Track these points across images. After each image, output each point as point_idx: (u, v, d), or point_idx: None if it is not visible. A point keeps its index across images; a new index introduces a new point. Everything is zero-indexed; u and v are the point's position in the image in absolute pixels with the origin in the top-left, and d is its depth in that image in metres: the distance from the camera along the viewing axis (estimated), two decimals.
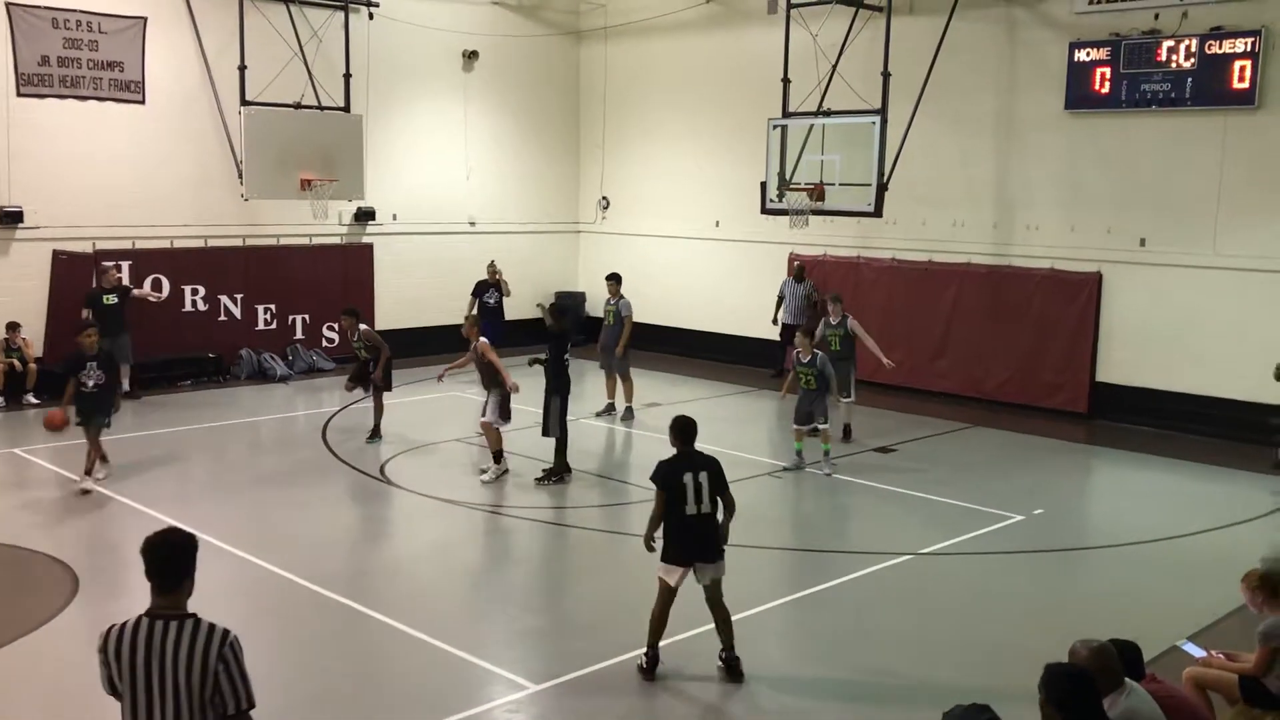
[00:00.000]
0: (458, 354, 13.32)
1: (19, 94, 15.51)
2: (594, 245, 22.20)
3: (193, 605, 4.19)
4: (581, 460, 12.70)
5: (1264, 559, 9.43)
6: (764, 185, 16.50)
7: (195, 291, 17.42)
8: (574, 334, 15.02)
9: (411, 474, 12.37)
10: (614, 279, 15.87)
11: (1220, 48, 14.38)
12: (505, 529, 10.91)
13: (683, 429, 7.43)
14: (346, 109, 17.60)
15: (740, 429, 14.82)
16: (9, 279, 15.68)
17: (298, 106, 16.92)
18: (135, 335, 15.81)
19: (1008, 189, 16.66)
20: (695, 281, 20.43)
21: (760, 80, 17.56)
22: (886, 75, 15.30)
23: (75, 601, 8.51)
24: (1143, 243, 15.43)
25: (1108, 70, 15.29)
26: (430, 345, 18.20)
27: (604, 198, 22.02)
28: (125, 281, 16.17)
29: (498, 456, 12.08)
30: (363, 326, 13.84)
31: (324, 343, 18.84)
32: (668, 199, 20.83)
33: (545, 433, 12.18)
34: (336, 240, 19.03)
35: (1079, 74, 15.56)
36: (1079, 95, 15.60)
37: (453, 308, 18.84)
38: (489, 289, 18.08)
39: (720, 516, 7.35)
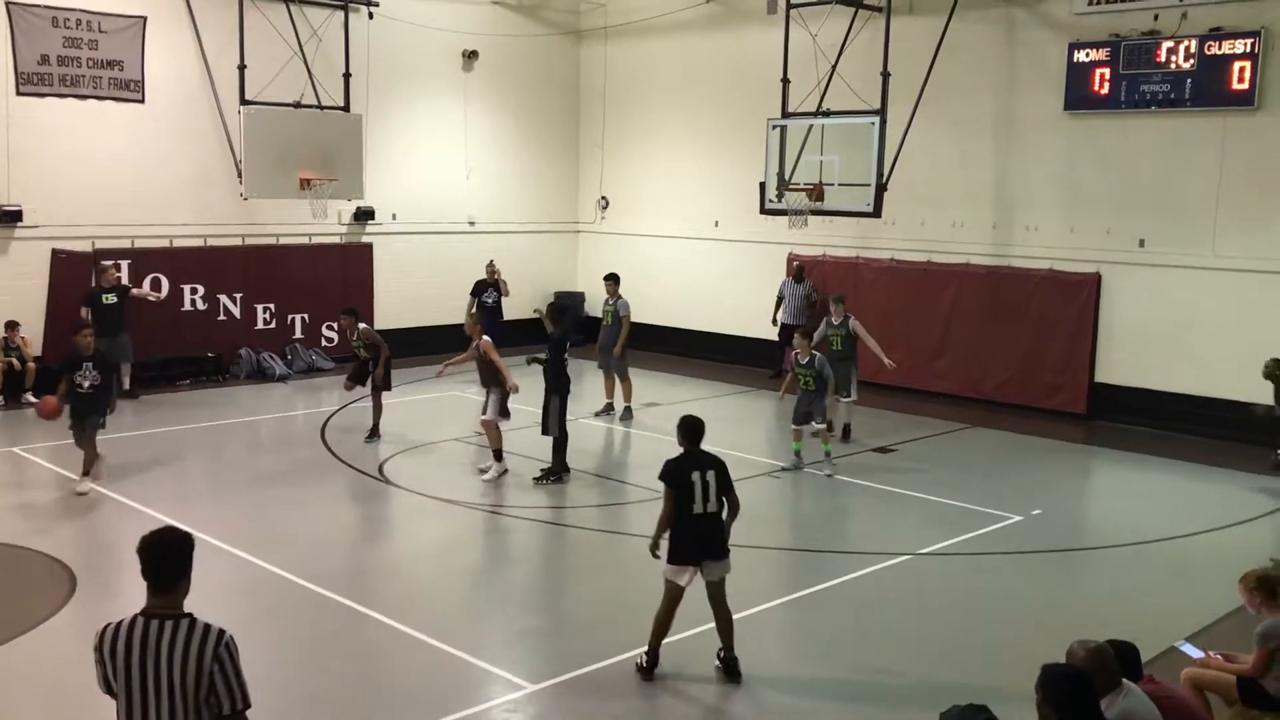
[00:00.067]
0: (457, 353, 13.31)
1: (19, 93, 15.50)
2: (593, 245, 22.20)
3: (191, 605, 4.19)
4: (580, 460, 12.70)
5: (1274, 559, 9.47)
6: (763, 185, 16.50)
7: (194, 291, 17.41)
8: (573, 334, 15.01)
9: (410, 473, 12.37)
10: (612, 279, 15.87)
11: (1220, 49, 14.38)
12: (504, 529, 10.91)
13: (691, 428, 7.45)
14: (346, 108, 17.60)
15: (739, 429, 14.81)
16: (8, 278, 15.68)
17: (297, 106, 16.92)
18: (134, 334, 15.81)
19: (1007, 190, 16.66)
20: (694, 282, 20.43)
21: (760, 80, 17.55)
22: (886, 75, 15.30)
23: (73, 601, 8.51)
24: (1142, 243, 15.43)
25: (1107, 71, 15.29)
26: (430, 345, 18.18)
27: (603, 198, 22.02)
28: (124, 281, 16.17)
29: (498, 455, 12.09)
30: (362, 326, 13.84)
31: (323, 342, 18.84)
32: (667, 199, 20.83)
33: (545, 432, 12.19)
34: (336, 240, 19.03)
35: (1078, 75, 15.56)
36: (1078, 96, 15.60)
37: (452, 307, 18.87)
38: (488, 288, 18.08)
39: (725, 516, 7.36)
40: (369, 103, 18.40)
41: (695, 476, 7.20)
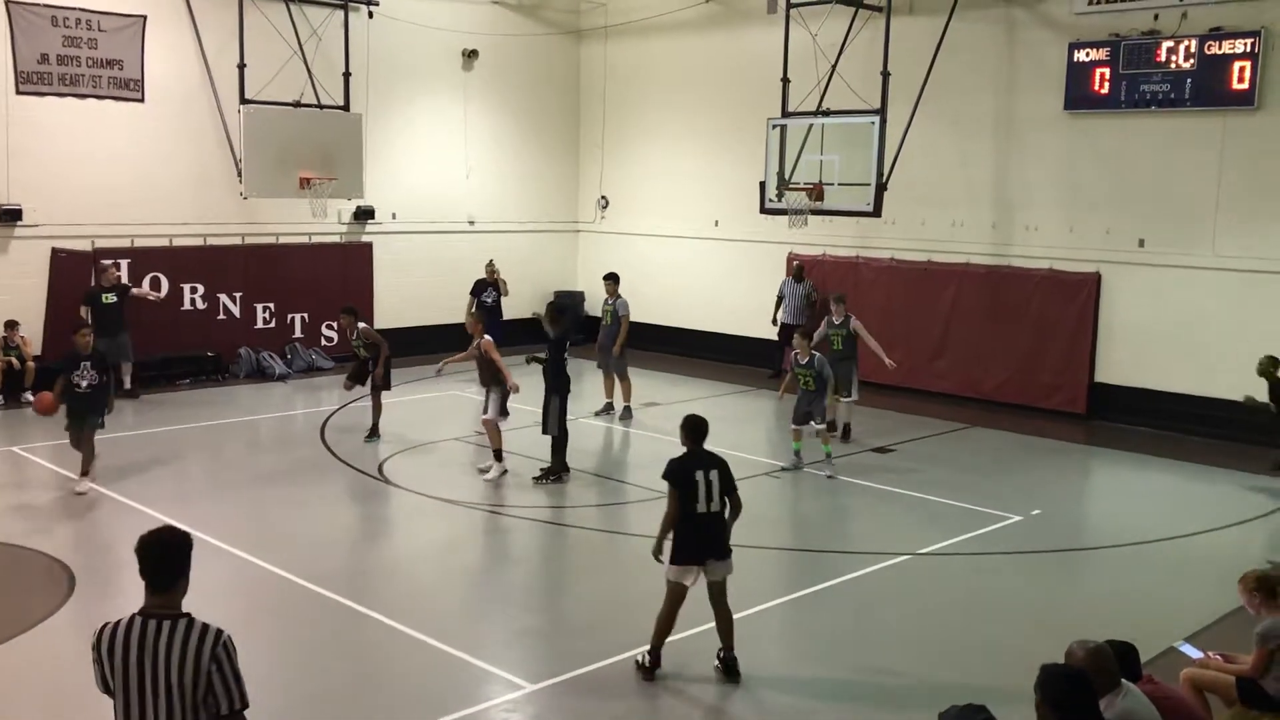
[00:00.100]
0: (457, 352, 13.31)
1: (18, 92, 15.50)
2: (593, 245, 22.19)
3: (190, 604, 4.18)
4: (580, 460, 12.69)
5: (1271, 560, 9.47)
6: (763, 185, 16.50)
7: (194, 290, 17.41)
8: (572, 334, 15.02)
9: (409, 473, 12.37)
10: (611, 279, 15.87)
11: (1220, 48, 14.37)
12: (503, 528, 10.91)
13: (694, 427, 7.46)
14: (346, 108, 17.59)
15: (739, 429, 14.81)
16: (8, 277, 15.67)
17: (297, 105, 16.91)
18: (134, 334, 15.81)
19: (1007, 189, 16.66)
20: (694, 281, 20.42)
21: (760, 80, 17.55)
22: (886, 75, 15.30)
23: (72, 600, 8.51)
24: (1141, 243, 15.43)
25: (1107, 71, 15.29)
26: (429, 344, 18.17)
27: (603, 197, 22.01)
28: (124, 280, 16.17)
29: (498, 455, 12.07)
30: (361, 325, 13.83)
31: (323, 341, 18.84)
32: (667, 199, 20.83)
33: (545, 431, 12.19)
34: (336, 239, 19.03)
35: (1078, 74, 15.55)
36: (1078, 96, 15.60)
37: (452, 307, 18.87)
38: (487, 288, 18.08)
39: (727, 515, 7.37)
40: (369, 102, 18.40)
41: (699, 476, 7.21)
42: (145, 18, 16.46)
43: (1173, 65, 14.74)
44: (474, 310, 16.57)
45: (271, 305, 18.24)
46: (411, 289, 19.73)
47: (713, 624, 7.46)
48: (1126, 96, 15.17)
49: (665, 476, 7.29)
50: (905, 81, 15.54)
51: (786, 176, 16.11)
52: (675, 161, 20.60)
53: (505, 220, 21.13)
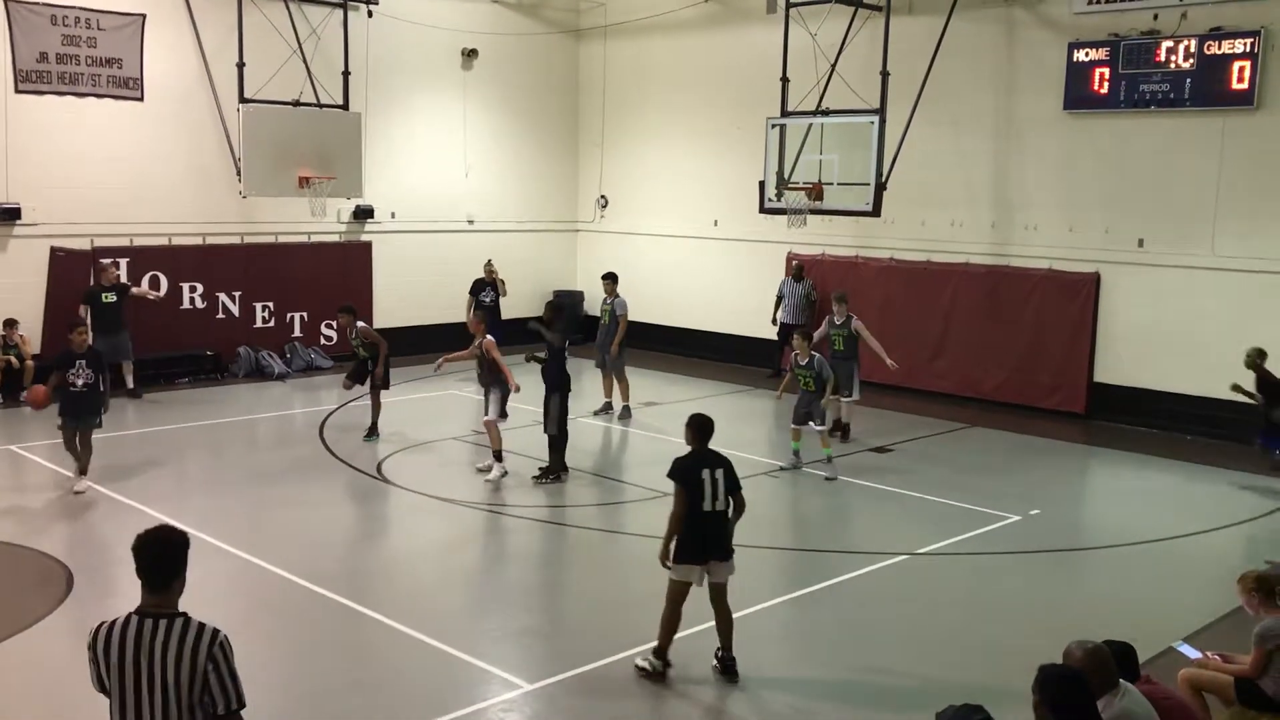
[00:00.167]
0: (456, 351, 13.31)
1: (17, 90, 15.49)
2: (592, 244, 22.19)
3: (188, 603, 4.18)
4: (578, 459, 12.69)
5: (1269, 560, 9.46)
6: (762, 185, 16.49)
7: (193, 289, 17.41)
8: (571, 333, 15.01)
9: (408, 472, 12.37)
10: (610, 278, 15.87)
11: (1219, 48, 14.37)
12: (502, 528, 10.90)
13: (700, 426, 7.46)
14: (345, 107, 17.57)
15: (738, 428, 14.79)
16: (7, 276, 15.67)
17: (296, 104, 16.89)
18: (133, 333, 15.80)
19: (1006, 189, 16.66)
20: (693, 281, 20.42)
21: (759, 79, 17.55)
22: (885, 75, 15.29)
23: (69, 599, 8.50)
24: (1141, 243, 15.42)
25: (1106, 71, 15.29)
26: (429, 343, 18.14)
27: (602, 196, 22.00)
28: (124, 279, 16.16)
29: (499, 456, 12.03)
30: (360, 324, 13.82)
31: (322, 340, 18.83)
32: (666, 198, 20.82)
33: (545, 430, 12.18)
34: (335, 238, 19.02)
35: (1078, 74, 15.55)
36: (1078, 95, 15.60)
37: (451, 306, 18.87)
38: (485, 287, 18.05)
39: (730, 515, 7.37)
40: (368, 101, 18.39)
41: (705, 474, 7.21)
42: (144, 16, 16.45)
43: (1172, 65, 14.73)
44: (476, 311, 16.54)
45: (270, 304, 18.24)
46: (410, 288, 19.73)
47: (712, 624, 7.46)
48: (1126, 96, 15.17)
49: (671, 475, 7.27)
50: (905, 81, 15.53)
51: (786, 176, 16.11)
52: (674, 161, 20.59)
53: (504, 219, 21.13)
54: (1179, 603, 9.13)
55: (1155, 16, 14.95)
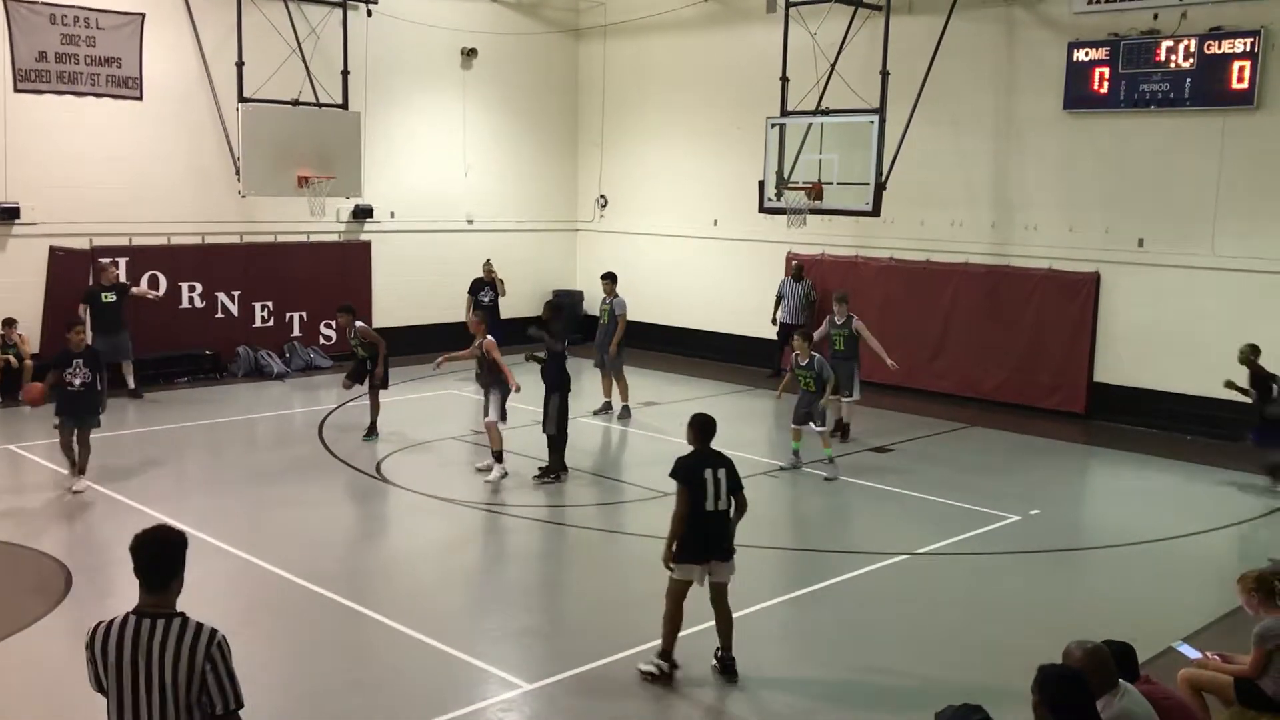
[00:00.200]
0: (455, 351, 13.30)
1: (16, 89, 15.48)
2: (592, 243, 22.18)
3: (188, 602, 4.17)
4: (578, 459, 12.68)
5: (1272, 558, 9.46)
6: (762, 184, 16.48)
7: (192, 288, 17.39)
8: (570, 333, 15.00)
9: (407, 472, 12.36)
10: (609, 278, 15.87)
11: (1219, 48, 14.36)
12: (501, 527, 10.89)
13: (703, 426, 7.46)
14: (344, 106, 17.56)
15: (737, 428, 14.77)
16: (5, 275, 15.65)
17: (295, 103, 16.87)
18: (132, 332, 15.78)
19: (1006, 189, 16.65)
20: (693, 280, 20.41)
21: (759, 79, 17.54)
22: (885, 74, 15.28)
23: (68, 599, 8.50)
24: (1141, 243, 15.42)
25: (1106, 70, 15.28)
26: (428, 343, 18.12)
27: (602, 196, 22.00)
28: (123, 279, 16.15)
29: (499, 457, 11.99)
30: (359, 324, 13.81)
31: (321, 340, 18.82)
32: (666, 197, 20.81)
33: (544, 429, 12.17)
34: (334, 237, 19.01)
35: (1078, 74, 15.54)
36: (1077, 95, 15.59)
37: (451, 305, 18.86)
38: (484, 287, 18.01)
39: (732, 514, 7.37)
40: (367, 100, 18.38)
41: (708, 474, 7.21)
42: (143, 16, 16.44)
43: (1172, 65, 14.72)
44: (471, 309, 16.54)
45: (270, 304, 18.23)
46: (410, 288, 19.71)
47: (712, 623, 7.45)
48: (1126, 96, 15.16)
49: (674, 475, 7.27)
50: (904, 81, 15.52)
51: (786, 176, 16.10)
52: (674, 160, 20.58)
53: (504, 219, 21.12)
54: (1179, 603, 9.13)
55: (1155, 16, 14.95)
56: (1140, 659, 5.73)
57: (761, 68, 17.38)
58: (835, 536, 11.10)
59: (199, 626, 4.05)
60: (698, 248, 20.34)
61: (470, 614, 8.60)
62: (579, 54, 22.02)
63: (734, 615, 7.46)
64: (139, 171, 16.62)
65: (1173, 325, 15.14)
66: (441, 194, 20.17)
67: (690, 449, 7.44)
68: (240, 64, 16.40)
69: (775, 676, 7.51)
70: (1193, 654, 7.11)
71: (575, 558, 10.31)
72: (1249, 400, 13.01)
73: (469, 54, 20.23)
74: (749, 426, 15.36)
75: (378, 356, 13.57)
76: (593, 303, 18.60)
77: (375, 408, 13.75)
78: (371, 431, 13.68)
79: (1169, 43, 14.73)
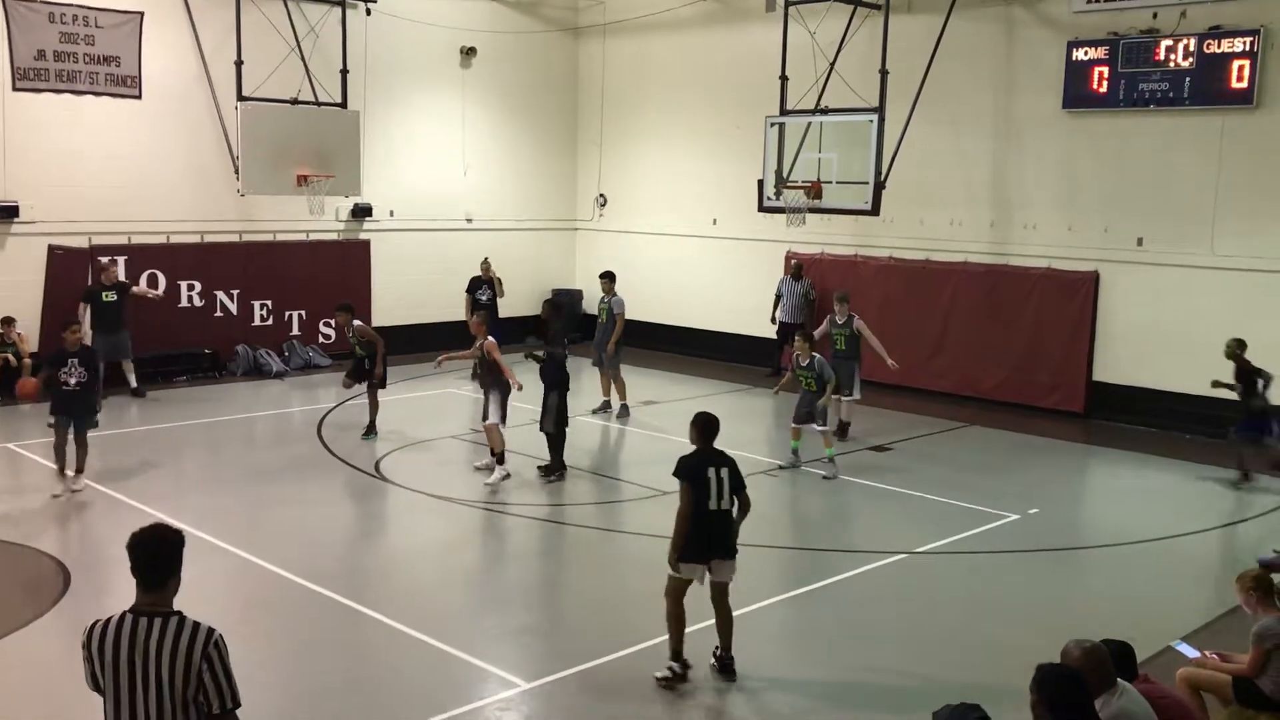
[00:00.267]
0: (455, 350, 13.30)
1: (15, 88, 15.47)
2: (591, 242, 22.17)
3: (186, 601, 4.17)
4: (576, 458, 12.67)
5: (1276, 550, 9.45)
6: (761, 183, 16.48)
7: (191, 287, 17.38)
8: (569, 331, 15.00)
9: (406, 470, 12.35)
10: (607, 277, 15.86)
11: (1219, 47, 14.36)
12: (500, 526, 10.88)
13: (706, 425, 7.47)
14: (344, 105, 17.55)
15: (737, 427, 14.71)
16: (4, 274, 15.64)
17: (294, 102, 16.86)
18: (131, 331, 15.76)
19: (1005, 188, 16.64)
20: (692, 279, 20.40)
21: (758, 78, 17.53)
22: (884, 73, 15.27)
23: (66, 598, 8.49)
24: (1140, 242, 15.41)
25: (1106, 69, 15.28)
26: (427, 342, 18.13)
27: (601, 195, 21.99)
28: (122, 277, 16.13)
29: (501, 458, 11.94)
30: (357, 323, 13.80)
31: (320, 339, 18.81)
32: (665, 196, 20.80)
33: (542, 428, 12.17)
34: (333, 236, 19.00)
35: (1077, 73, 15.54)
36: (1077, 94, 15.58)
37: (450, 304, 18.85)
38: (482, 285, 17.98)
39: (735, 514, 7.37)
40: (366, 99, 18.37)
41: (710, 473, 7.22)
42: (142, 14, 16.43)
43: (1172, 64, 14.72)
44: (477, 312, 16.49)
45: (269, 302, 18.22)
46: (409, 287, 19.71)
47: (712, 623, 7.45)
48: (1125, 95, 15.15)
49: (677, 474, 7.26)
50: (903, 80, 15.52)
51: (785, 175, 16.09)
52: (673, 159, 20.58)
53: (503, 218, 21.11)
54: (1177, 602, 9.13)
55: (1154, 15, 14.94)
56: (1139, 658, 5.73)
57: (761, 67, 17.38)
58: (834, 535, 11.09)
59: (196, 625, 4.04)
60: (697, 247, 20.33)
61: (469, 612, 8.60)
62: (578, 53, 22.01)
63: (734, 614, 7.45)
64: (138, 170, 16.61)
65: (1172, 324, 15.14)
66: (441, 193, 20.16)
67: (693, 448, 7.44)
68: (239, 63, 16.39)
69: (774, 676, 7.50)
70: (1191, 653, 7.11)
71: (574, 556, 10.31)
72: (1236, 395, 12.98)
73: (468, 53, 20.22)
74: (748, 425, 15.35)
75: (376, 355, 13.56)
76: (592, 302, 18.59)
77: (374, 406, 13.75)
78: (370, 430, 13.67)
79: (1168, 42, 14.72)
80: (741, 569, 7.53)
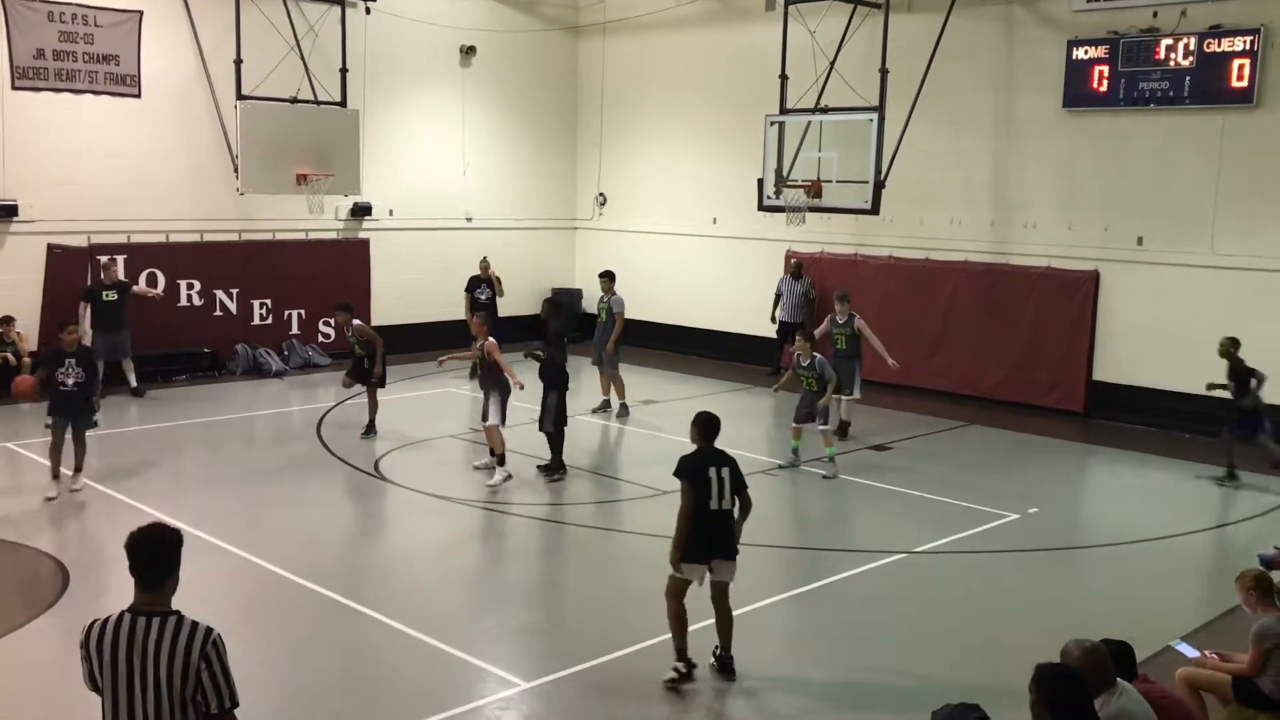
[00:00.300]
0: (454, 349, 13.28)
1: (14, 87, 15.46)
2: (591, 242, 22.16)
3: (184, 600, 4.16)
4: (576, 457, 12.66)
5: (1277, 547, 9.44)
6: (761, 182, 16.47)
7: (191, 286, 17.37)
8: (568, 331, 14.99)
9: (406, 470, 12.34)
10: (607, 276, 15.85)
11: (1219, 46, 14.35)
12: (499, 526, 10.88)
13: (707, 424, 7.46)
14: (343, 104, 17.55)
15: (737, 426, 14.65)
16: (3, 273, 15.64)
17: (294, 101, 16.85)
18: (131, 331, 15.76)
19: (1005, 187, 16.64)
20: (692, 279, 20.39)
21: (758, 77, 17.53)
22: (884, 72, 15.26)
23: (65, 597, 8.48)
24: (1140, 241, 15.41)
25: (1106, 68, 15.27)
26: (427, 341, 18.14)
27: (601, 194, 21.97)
28: (122, 277, 16.13)
29: (502, 459, 11.93)
30: (356, 322, 13.79)
31: (320, 338, 18.80)
32: (665, 196, 20.79)
33: (541, 428, 12.16)
34: (333, 235, 18.99)
35: (1077, 72, 15.53)
36: (1077, 93, 15.57)
37: (449, 304, 18.83)
38: (481, 284, 17.95)
39: (736, 514, 7.36)
40: (366, 98, 18.36)
41: (711, 473, 7.21)
42: (142, 13, 16.42)
43: (1172, 63, 14.71)
44: (477, 313, 16.47)
45: (268, 302, 18.21)
46: (408, 286, 19.70)
47: (711, 622, 7.44)
48: (1125, 94, 15.14)
49: (678, 473, 7.25)
50: (903, 79, 15.51)
51: (785, 174, 16.09)
52: (673, 158, 20.57)
53: (503, 217, 21.10)
54: (1177, 601, 9.13)
55: (1155, 14, 14.93)
56: (1138, 657, 5.73)
57: (760, 65, 17.37)
58: (834, 535, 11.09)
59: (194, 625, 4.03)
60: (697, 246, 20.32)
61: (468, 612, 8.59)
62: (578, 52, 22.00)
63: (733, 614, 7.44)
64: (137, 169, 16.60)
65: (1171, 323, 15.13)
66: (440, 192, 20.15)
67: (693, 447, 7.43)
68: (239, 61, 16.39)
69: (774, 675, 7.50)
70: (1191, 652, 7.10)
71: (573, 556, 10.30)
72: (1229, 395, 12.98)
73: (468, 52, 20.21)
74: (748, 425, 15.34)
75: (375, 355, 13.54)
76: (591, 301, 18.59)
77: (373, 405, 13.74)
78: (370, 429, 13.66)
79: (1168, 41, 14.71)
80: (741, 569, 7.52)
